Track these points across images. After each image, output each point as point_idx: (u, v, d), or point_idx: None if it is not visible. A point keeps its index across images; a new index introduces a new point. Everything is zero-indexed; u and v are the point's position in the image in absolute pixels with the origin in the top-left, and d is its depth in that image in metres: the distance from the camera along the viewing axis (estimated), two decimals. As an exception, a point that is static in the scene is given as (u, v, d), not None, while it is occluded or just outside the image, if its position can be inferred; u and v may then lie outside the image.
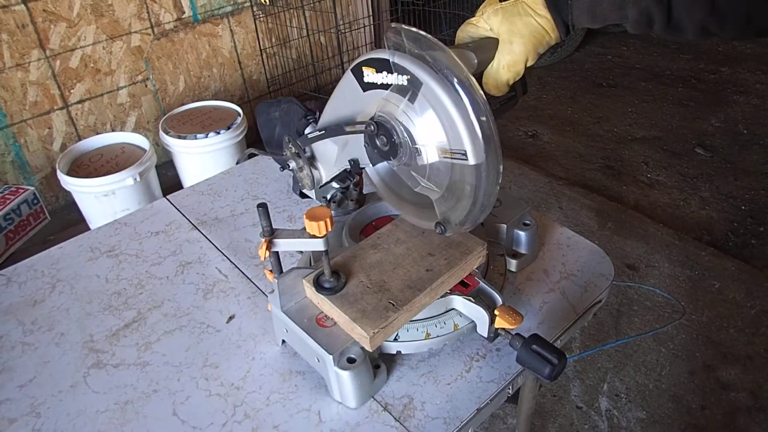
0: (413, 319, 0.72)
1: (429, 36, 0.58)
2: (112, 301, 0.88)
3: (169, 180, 2.58)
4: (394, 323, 0.67)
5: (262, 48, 3.03)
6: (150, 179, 2.19)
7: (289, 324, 0.72)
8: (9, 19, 2.24)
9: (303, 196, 0.96)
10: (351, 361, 0.68)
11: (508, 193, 0.95)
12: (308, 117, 0.85)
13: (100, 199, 2.07)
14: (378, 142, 0.67)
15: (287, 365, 0.76)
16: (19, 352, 0.81)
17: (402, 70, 0.60)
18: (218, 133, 2.30)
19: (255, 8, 2.93)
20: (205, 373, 0.75)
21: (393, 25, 0.60)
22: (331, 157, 0.76)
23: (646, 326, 1.94)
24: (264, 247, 0.68)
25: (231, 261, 0.95)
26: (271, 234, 0.68)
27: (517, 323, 0.68)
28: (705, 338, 1.90)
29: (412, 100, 0.60)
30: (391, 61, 0.60)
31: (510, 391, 0.75)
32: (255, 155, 1.19)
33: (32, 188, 1.67)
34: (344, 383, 0.68)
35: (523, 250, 0.89)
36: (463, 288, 0.76)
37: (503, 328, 0.70)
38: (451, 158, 0.61)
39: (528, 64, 0.68)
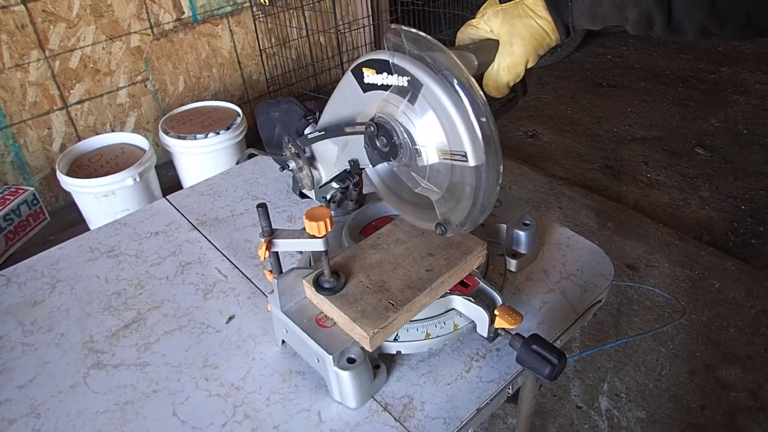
0: (413, 319, 0.72)
1: (429, 37, 0.58)
2: (111, 302, 0.88)
3: (169, 180, 2.58)
4: (394, 323, 0.67)
5: (261, 48, 3.03)
6: (150, 179, 2.19)
7: (288, 324, 0.72)
8: (8, 19, 2.24)
9: (303, 196, 0.96)
10: (351, 361, 0.68)
11: (508, 193, 0.95)
12: (308, 117, 0.85)
13: (100, 200, 2.06)
14: (378, 143, 0.67)
15: (287, 365, 0.76)
16: (19, 352, 0.81)
17: (402, 72, 0.60)
18: (218, 133, 2.30)
19: (254, 8, 2.93)
20: (205, 374, 0.76)
21: (393, 26, 0.60)
22: (331, 157, 0.76)
23: (646, 326, 1.94)
24: (264, 247, 0.68)
25: (231, 261, 0.95)
26: (271, 234, 0.68)
27: (516, 323, 0.69)
28: (705, 338, 1.90)
29: (412, 101, 0.60)
30: (390, 62, 0.60)
31: (510, 391, 0.75)
32: (255, 155, 1.19)
33: (32, 189, 1.66)
34: (344, 383, 0.68)
35: (522, 250, 0.89)
36: (463, 288, 0.76)
37: (503, 328, 0.70)
38: (451, 160, 0.61)
39: (528, 66, 0.68)
